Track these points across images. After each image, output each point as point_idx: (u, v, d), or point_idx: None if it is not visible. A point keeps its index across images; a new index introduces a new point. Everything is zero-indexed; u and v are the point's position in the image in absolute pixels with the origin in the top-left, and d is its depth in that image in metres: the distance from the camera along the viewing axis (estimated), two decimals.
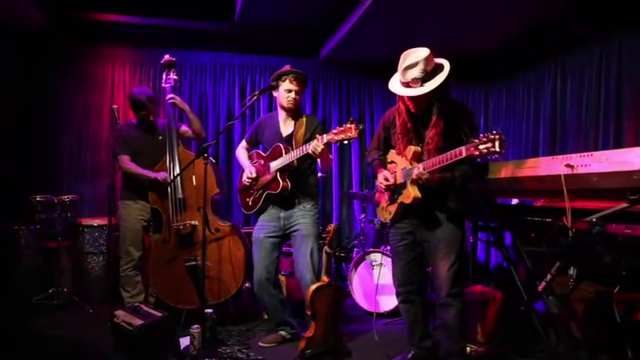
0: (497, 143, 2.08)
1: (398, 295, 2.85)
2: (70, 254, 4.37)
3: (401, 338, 3.16)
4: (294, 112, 3.37)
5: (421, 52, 2.45)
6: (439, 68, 2.50)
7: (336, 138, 2.83)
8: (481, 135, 2.15)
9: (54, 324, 3.69)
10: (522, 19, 4.29)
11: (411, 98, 2.54)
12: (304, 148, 3.04)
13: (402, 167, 2.66)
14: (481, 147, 2.14)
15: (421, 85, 2.46)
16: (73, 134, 5.09)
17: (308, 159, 3.29)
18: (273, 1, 4.60)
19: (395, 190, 2.72)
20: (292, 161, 3.14)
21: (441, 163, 2.38)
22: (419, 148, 2.56)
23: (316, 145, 2.93)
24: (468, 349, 2.94)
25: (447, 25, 4.33)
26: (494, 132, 2.11)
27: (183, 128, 3.92)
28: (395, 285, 2.86)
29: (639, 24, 3.76)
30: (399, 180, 2.67)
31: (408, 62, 2.46)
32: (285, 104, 3.31)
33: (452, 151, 2.31)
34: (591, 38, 4.19)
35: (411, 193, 2.51)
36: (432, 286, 2.82)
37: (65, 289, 4.18)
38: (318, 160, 3.21)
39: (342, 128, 2.80)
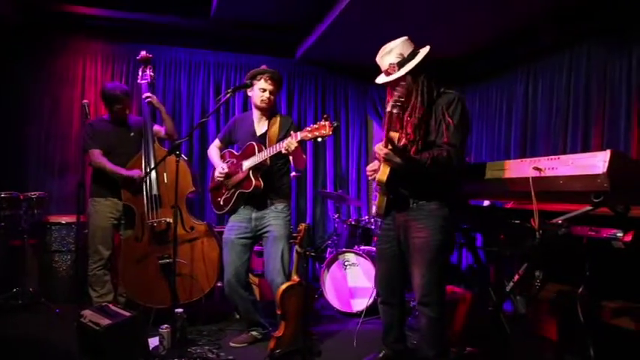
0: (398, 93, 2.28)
1: (378, 295, 2.83)
2: (36, 252, 4.27)
3: (373, 338, 3.18)
4: (268, 112, 3.35)
5: (398, 40, 2.49)
6: (417, 53, 2.50)
7: (309, 135, 2.83)
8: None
9: (18, 324, 3.60)
10: (497, 24, 4.37)
11: (392, 85, 2.54)
12: (277, 146, 3.02)
13: None
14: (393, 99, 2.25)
15: (398, 71, 2.47)
16: (42, 129, 4.95)
17: (281, 158, 3.27)
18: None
19: None
20: (265, 160, 3.12)
21: (384, 127, 2.35)
22: (396, 134, 2.52)
23: (290, 142, 2.91)
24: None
25: (423, 28, 4.37)
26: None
27: (156, 128, 3.86)
28: (375, 285, 2.84)
29: (607, 33, 3.87)
30: None
31: (385, 50, 2.49)
32: (258, 103, 3.29)
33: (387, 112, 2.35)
34: (561, 46, 4.29)
35: (378, 175, 2.50)
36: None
37: (30, 289, 4.07)
38: (291, 158, 3.20)
39: (316, 125, 2.80)
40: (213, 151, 3.57)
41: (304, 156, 3.28)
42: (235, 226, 3.34)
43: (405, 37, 2.52)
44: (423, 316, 2.52)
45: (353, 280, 4.16)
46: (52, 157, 4.97)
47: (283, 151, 2.96)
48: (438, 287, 2.49)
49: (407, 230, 2.57)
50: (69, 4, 4.82)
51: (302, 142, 2.96)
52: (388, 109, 2.31)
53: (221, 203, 3.42)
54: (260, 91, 3.26)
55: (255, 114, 3.39)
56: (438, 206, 2.49)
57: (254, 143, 3.21)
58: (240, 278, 3.31)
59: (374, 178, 2.68)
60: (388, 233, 2.72)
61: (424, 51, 2.50)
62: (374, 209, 2.81)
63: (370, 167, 2.71)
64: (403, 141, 2.47)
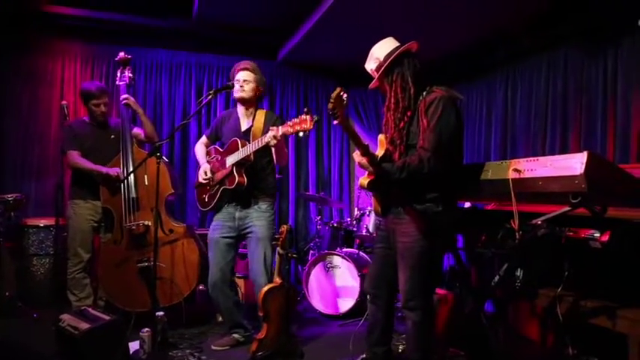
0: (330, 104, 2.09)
1: (367, 293, 2.79)
2: (13, 256, 4.16)
3: (355, 340, 3.17)
4: (252, 106, 3.36)
5: (380, 42, 2.48)
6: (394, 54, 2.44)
7: (291, 130, 2.83)
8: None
9: None
10: (477, 27, 4.42)
11: (380, 91, 2.53)
12: (260, 141, 3.02)
13: None
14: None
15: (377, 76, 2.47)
16: (19, 130, 4.83)
17: (266, 156, 3.27)
18: (232, 1, 4.56)
19: None
20: (249, 155, 3.11)
21: (349, 134, 2.26)
22: (382, 136, 2.51)
23: (271, 136, 2.92)
24: None
25: (404, 31, 4.37)
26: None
27: (136, 130, 3.82)
28: (365, 284, 2.83)
29: (583, 35, 3.94)
30: None
31: (369, 56, 2.47)
32: (235, 94, 3.31)
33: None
34: (540, 48, 4.36)
35: (361, 178, 2.50)
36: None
37: (7, 293, 3.97)
38: (274, 153, 3.19)
39: (297, 120, 2.81)
40: (199, 148, 3.55)
41: (286, 150, 3.29)
42: (219, 225, 3.32)
43: (388, 39, 2.49)
44: (408, 320, 2.49)
45: (336, 283, 4.17)
46: (30, 159, 4.85)
47: (266, 142, 2.96)
48: (423, 292, 2.43)
49: (394, 233, 2.53)
50: (48, 4, 4.74)
51: (284, 137, 2.97)
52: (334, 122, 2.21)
53: (206, 200, 3.40)
54: (237, 83, 3.29)
55: (240, 110, 3.39)
56: (424, 210, 2.39)
57: (237, 139, 3.20)
58: (225, 278, 3.30)
59: None
60: (381, 233, 2.71)
61: (397, 50, 2.43)
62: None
63: None
64: (387, 140, 2.47)
